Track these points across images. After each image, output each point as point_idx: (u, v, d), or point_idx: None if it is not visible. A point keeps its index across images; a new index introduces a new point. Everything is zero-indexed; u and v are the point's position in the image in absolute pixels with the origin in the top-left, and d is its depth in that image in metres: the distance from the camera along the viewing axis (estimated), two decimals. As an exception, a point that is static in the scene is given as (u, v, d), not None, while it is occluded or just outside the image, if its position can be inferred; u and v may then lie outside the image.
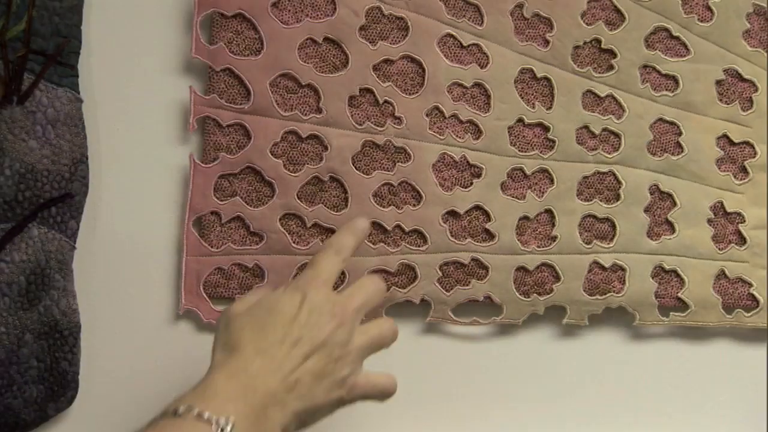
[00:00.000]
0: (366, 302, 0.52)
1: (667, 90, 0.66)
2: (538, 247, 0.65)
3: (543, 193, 0.65)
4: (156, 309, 0.62)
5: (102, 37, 0.61)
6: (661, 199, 0.66)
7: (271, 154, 0.62)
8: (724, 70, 0.66)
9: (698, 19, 0.66)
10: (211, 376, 0.48)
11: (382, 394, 0.53)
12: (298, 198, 0.62)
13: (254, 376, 0.47)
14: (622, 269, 0.65)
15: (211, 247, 0.62)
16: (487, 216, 0.64)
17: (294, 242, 0.62)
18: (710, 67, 0.66)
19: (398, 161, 0.63)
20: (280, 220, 0.62)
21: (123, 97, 0.61)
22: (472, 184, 0.64)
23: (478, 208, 0.64)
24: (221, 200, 0.61)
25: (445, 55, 0.64)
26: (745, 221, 0.67)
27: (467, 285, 0.64)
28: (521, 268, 0.65)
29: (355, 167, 0.63)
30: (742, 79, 0.66)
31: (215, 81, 0.61)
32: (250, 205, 0.62)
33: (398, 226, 0.63)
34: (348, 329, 0.50)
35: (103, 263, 0.61)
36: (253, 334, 0.49)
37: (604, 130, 0.66)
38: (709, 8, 0.66)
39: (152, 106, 0.61)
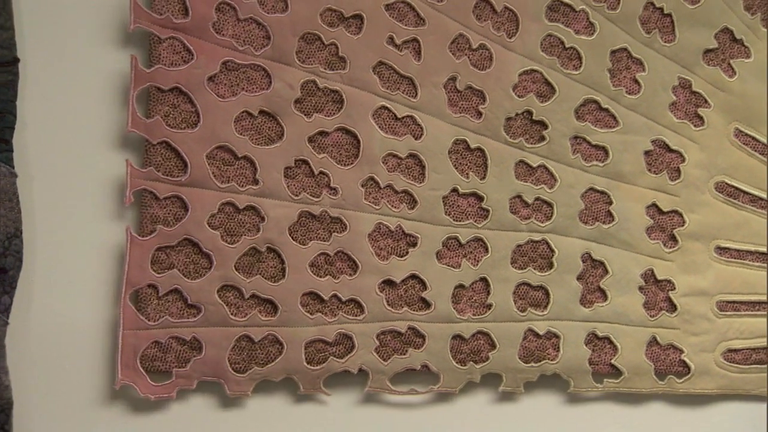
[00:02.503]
0: None
1: (597, 160, 0.72)
2: (474, 315, 0.70)
3: (478, 261, 0.71)
4: (91, 386, 0.66)
5: (37, 111, 0.65)
6: (594, 266, 0.72)
7: (209, 226, 0.67)
8: (652, 141, 0.73)
9: (626, 92, 0.73)
10: None
11: None
12: (236, 269, 0.67)
13: None
14: (557, 336, 0.71)
15: (148, 320, 0.66)
16: (423, 285, 0.70)
17: (232, 314, 0.67)
18: (639, 138, 0.73)
19: (334, 231, 0.69)
20: (218, 291, 0.66)
21: (59, 172, 0.65)
22: (407, 253, 0.69)
23: (414, 277, 0.70)
24: (158, 273, 0.66)
25: (379, 127, 0.69)
26: (675, 288, 0.73)
27: (404, 354, 0.69)
28: (457, 337, 0.70)
29: (292, 237, 0.68)
30: (670, 150, 0.73)
31: (152, 154, 0.66)
32: (188, 278, 0.66)
33: (335, 296, 0.68)
34: None
35: (37, 339, 0.65)
36: None
37: (537, 199, 0.72)
38: (636, 81, 0.73)
39: (88, 180, 0.65)
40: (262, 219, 0.66)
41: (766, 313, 0.73)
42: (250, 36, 0.66)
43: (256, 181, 0.66)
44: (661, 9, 0.71)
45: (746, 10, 0.72)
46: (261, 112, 0.67)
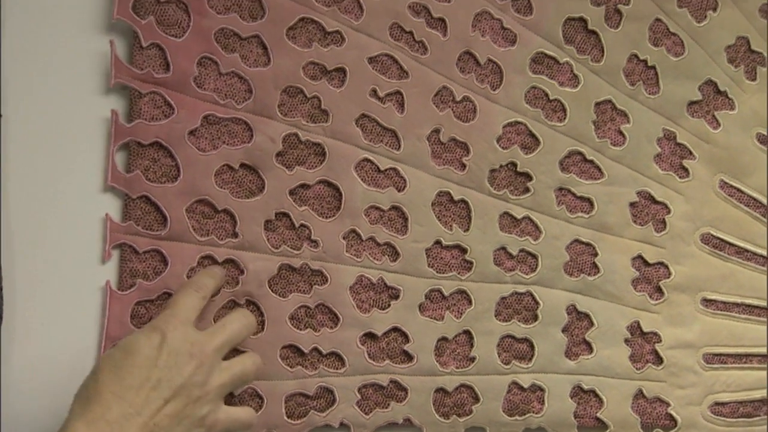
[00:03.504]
0: (228, 340, 0.59)
1: (582, 212, 0.74)
2: (457, 368, 0.71)
3: (461, 313, 0.72)
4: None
5: (17, 165, 0.66)
6: (579, 319, 0.73)
7: (188, 279, 0.68)
8: (637, 193, 0.74)
9: (611, 143, 0.74)
10: (70, 425, 0.52)
11: (243, 426, 0.59)
12: (215, 322, 0.68)
13: (113, 423, 0.52)
14: (541, 389, 0.72)
15: (125, 375, 0.67)
16: (406, 337, 0.71)
17: (209, 368, 0.68)
18: (624, 190, 0.74)
19: (315, 284, 0.70)
20: (196, 345, 0.68)
21: (39, 222, 0.67)
22: (389, 305, 0.71)
23: (396, 329, 0.71)
24: (138, 327, 0.67)
25: (362, 179, 0.71)
26: (661, 341, 0.74)
27: (386, 407, 0.70)
28: (440, 390, 0.71)
29: (272, 290, 0.69)
30: (655, 201, 0.74)
31: (132, 208, 0.68)
32: (166, 332, 0.68)
33: (315, 349, 0.70)
34: (206, 369, 0.56)
35: (16, 393, 0.66)
36: (111, 378, 0.53)
37: (521, 251, 0.73)
38: (621, 133, 0.74)
39: (68, 235, 0.67)
40: (242, 272, 0.68)
41: (753, 365, 0.73)
42: (232, 90, 0.68)
43: (236, 234, 0.68)
44: (645, 61, 0.72)
45: (730, 62, 0.73)
46: (242, 165, 0.68)
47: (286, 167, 0.69)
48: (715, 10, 0.74)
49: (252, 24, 0.68)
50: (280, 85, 0.68)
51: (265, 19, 0.68)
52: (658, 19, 0.73)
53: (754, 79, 0.74)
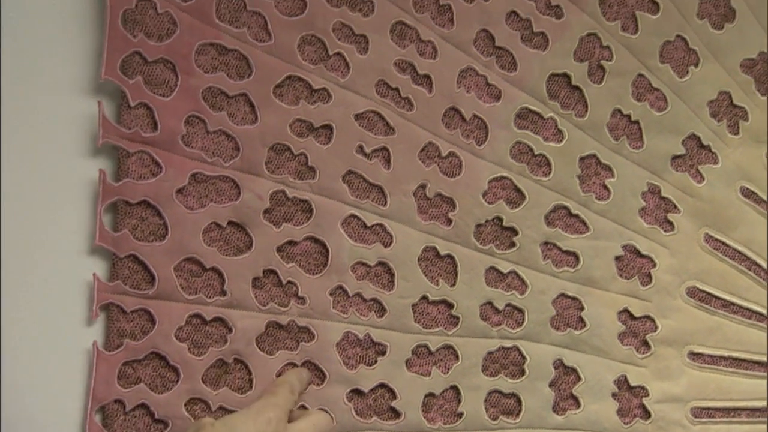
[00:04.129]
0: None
1: (568, 266, 0.75)
2: (445, 424, 0.72)
3: (448, 369, 0.73)
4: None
5: (6, 231, 0.68)
6: (566, 373, 0.74)
7: (176, 338, 0.69)
8: (622, 247, 0.76)
9: (596, 198, 0.75)
10: None
11: None
12: (203, 382, 0.69)
13: None
14: (529, 445, 0.73)
15: (114, 436, 0.68)
16: (393, 394, 0.72)
17: (198, 427, 0.69)
18: (609, 244, 0.75)
19: (302, 340, 0.71)
20: (185, 405, 0.68)
21: (26, 281, 0.68)
22: (376, 361, 0.72)
23: (383, 386, 0.72)
24: (125, 388, 0.68)
25: (348, 235, 0.72)
26: (648, 395, 0.75)
27: (374, 464, 0.71)
28: (428, 446, 0.72)
29: (259, 348, 0.70)
30: (641, 255, 0.76)
31: (119, 267, 0.68)
32: (155, 392, 0.68)
33: (302, 406, 0.70)
34: None
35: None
36: None
37: (508, 305, 0.74)
38: (605, 187, 0.76)
39: (55, 295, 0.68)
40: (230, 330, 0.68)
41: (741, 419, 0.74)
42: (220, 148, 0.69)
43: (224, 293, 0.68)
44: (628, 116, 0.74)
45: (712, 117, 0.75)
46: (230, 223, 0.69)
47: (274, 224, 0.70)
48: (696, 65, 0.75)
49: (239, 82, 0.69)
50: (267, 143, 0.69)
51: (252, 78, 0.70)
52: (640, 75, 0.74)
53: (736, 134, 0.75)
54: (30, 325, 0.66)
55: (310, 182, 0.70)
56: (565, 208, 0.73)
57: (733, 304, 0.75)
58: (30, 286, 0.67)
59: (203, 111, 0.69)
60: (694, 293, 0.74)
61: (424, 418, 0.71)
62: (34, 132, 0.68)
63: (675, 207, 0.74)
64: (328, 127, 0.71)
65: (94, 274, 0.67)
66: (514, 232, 0.73)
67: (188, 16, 0.69)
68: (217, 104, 0.69)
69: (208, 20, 0.69)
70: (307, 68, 0.70)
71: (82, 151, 0.68)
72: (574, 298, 0.73)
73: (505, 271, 0.72)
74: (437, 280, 0.72)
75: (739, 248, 0.75)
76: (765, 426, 0.75)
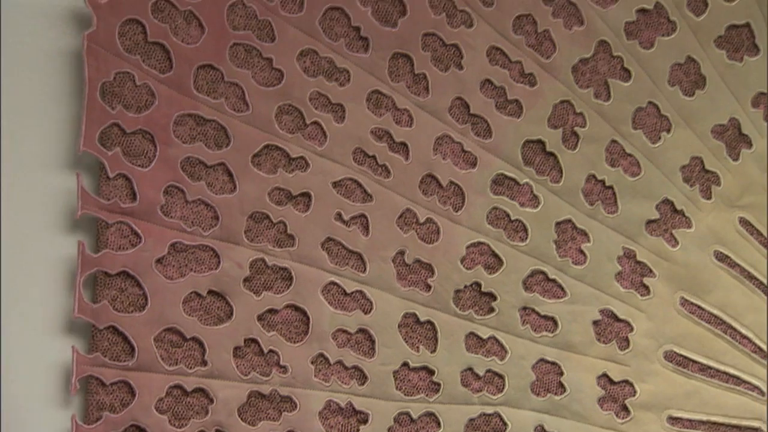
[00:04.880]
0: None
1: (546, 331, 0.76)
2: (427, 492, 0.72)
3: (430, 436, 0.73)
4: None
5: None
6: (547, 438, 0.75)
7: (156, 410, 0.69)
8: (600, 311, 0.77)
9: (572, 262, 0.77)
10: None
11: None
12: (183, 454, 0.69)
13: None
14: None
15: None
16: (375, 462, 0.72)
17: (178, 500, 0.68)
18: (587, 308, 0.77)
19: (284, 410, 0.71)
20: (164, 478, 0.68)
21: (5, 358, 0.67)
22: (358, 430, 0.72)
23: (365, 454, 0.72)
24: (104, 461, 0.67)
25: (329, 303, 0.73)
26: (629, 459, 0.75)
27: None
28: None
29: (241, 418, 0.70)
30: (618, 320, 0.77)
31: (98, 339, 0.68)
32: (134, 465, 0.68)
33: (285, 477, 0.70)
34: None
35: None
36: None
37: (488, 371, 0.75)
38: (582, 252, 0.77)
39: (34, 368, 0.68)
40: (211, 401, 0.68)
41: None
42: (199, 217, 0.69)
43: (204, 362, 0.69)
44: (602, 181, 0.75)
45: (685, 181, 0.77)
46: (210, 292, 0.70)
47: (254, 293, 0.70)
48: (668, 131, 0.77)
49: (217, 152, 0.70)
50: (246, 211, 0.70)
51: (230, 147, 0.71)
52: (614, 141, 0.76)
53: (709, 198, 0.77)
54: (9, 402, 0.66)
55: (289, 250, 0.71)
56: (543, 272, 0.74)
57: (710, 367, 0.76)
58: (9, 361, 0.66)
59: (182, 181, 0.69)
60: (671, 357, 0.75)
61: (407, 486, 0.71)
62: (11, 209, 0.68)
63: (650, 271, 0.76)
64: (306, 195, 0.72)
65: (72, 347, 0.67)
66: (493, 297, 0.74)
67: (166, 87, 0.70)
68: (196, 174, 0.70)
69: (186, 91, 0.70)
70: (284, 137, 0.72)
71: (60, 225, 0.69)
72: (553, 363, 0.74)
73: (485, 337, 0.73)
74: (418, 347, 0.72)
75: (715, 312, 0.76)
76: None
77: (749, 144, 0.78)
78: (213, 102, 0.70)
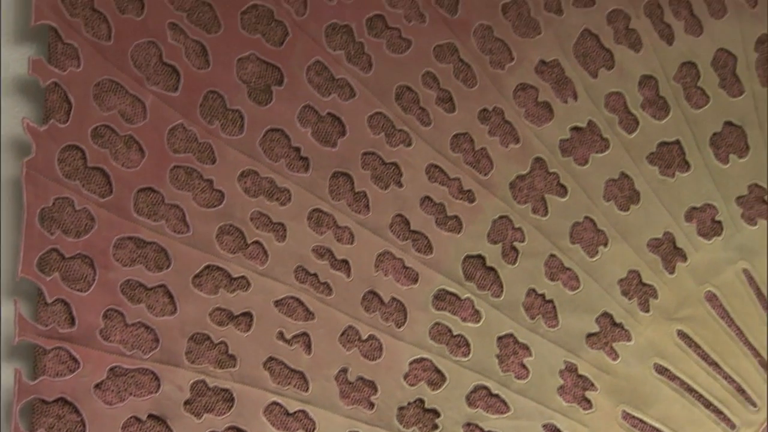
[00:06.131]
0: None
1: (490, 449, 0.76)
2: None
3: None
4: None
5: None
6: None
7: None
8: (543, 426, 0.77)
9: (515, 377, 0.77)
10: None
11: None
12: None
13: None
14: None
15: None
16: None
17: None
18: (530, 423, 0.76)
19: None
20: None
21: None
22: None
23: None
24: None
25: (271, 423, 0.72)
26: None
27: None
28: None
29: None
30: (561, 434, 0.77)
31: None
32: None
33: None
34: None
35: None
36: None
37: (433, 489, 0.74)
38: (524, 366, 0.77)
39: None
40: None
41: None
42: (139, 340, 0.69)
43: (143, 489, 0.68)
44: (543, 295, 0.76)
45: (623, 295, 0.78)
46: (150, 416, 0.69)
47: (195, 415, 0.70)
48: (606, 245, 0.79)
49: (158, 274, 0.70)
50: (186, 333, 0.70)
51: (170, 269, 0.71)
52: (552, 255, 0.77)
53: (647, 311, 0.78)
54: None
55: (231, 371, 0.71)
56: (486, 388, 0.75)
57: (654, 479, 0.76)
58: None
59: (121, 304, 0.69)
60: (615, 470, 0.75)
61: None
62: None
63: (592, 385, 0.76)
64: (248, 315, 0.72)
65: (8, 473, 0.66)
66: (437, 413, 0.74)
67: (106, 211, 0.70)
68: (136, 297, 0.70)
69: (126, 215, 0.70)
70: (225, 257, 0.72)
71: (-4, 354, 0.68)
72: (498, 480, 0.74)
73: (428, 454, 0.73)
74: (361, 467, 0.72)
75: (656, 425, 0.77)
76: None
77: (684, 257, 0.79)
78: (153, 224, 0.70)
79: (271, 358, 0.71)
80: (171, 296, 0.70)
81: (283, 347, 0.72)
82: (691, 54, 0.81)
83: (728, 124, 0.81)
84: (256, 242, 0.73)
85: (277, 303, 0.72)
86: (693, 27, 0.81)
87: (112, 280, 0.69)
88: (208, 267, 0.72)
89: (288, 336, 0.72)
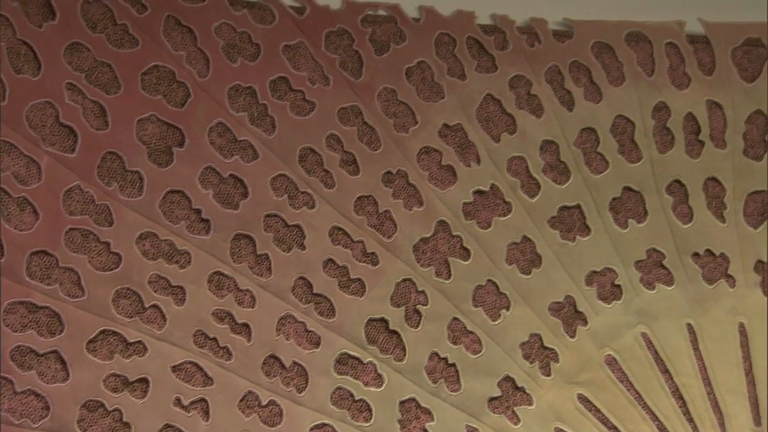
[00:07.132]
0: None
1: None
2: None
3: None
4: None
5: None
6: None
7: None
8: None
9: (417, 442, 0.76)
10: None
11: None
12: None
13: None
14: None
15: None
16: None
17: None
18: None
19: None
20: None
21: None
22: None
23: None
24: None
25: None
26: None
27: None
28: None
29: None
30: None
31: None
32: None
33: None
34: None
35: None
36: None
37: None
38: (426, 431, 0.77)
39: None
40: None
41: None
42: (28, 408, 0.67)
43: None
44: (445, 359, 0.76)
45: (525, 358, 0.78)
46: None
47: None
48: (508, 308, 0.79)
49: (50, 339, 0.68)
50: (79, 400, 0.68)
51: (63, 334, 0.69)
52: (455, 318, 0.77)
53: (548, 375, 0.78)
54: None
55: (125, 439, 0.69)
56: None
57: None
58: None
59: (11, 371, 0.67)
60: None
61: None
62: None
63: (494, 450, 0.76)
64: (144, 381, 0.70)
65: None
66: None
67: (-3, 275, 0.68)
68: (26, 363, 0.68)
69: (17, 279, 0.68)
70: (122, 321, 0.70)
71: None
72: None
73: None
74: None
75: (557, 490, 0.77)
76: None
77: (584, 321, 0.79)
78: (46, 288, 0.68)
79: (167, 425, 0.70)
80: (63, 362, 0.69)
81: (180, 414, 0.70)
82: (591, 120, 0.82)
83: (627, 189, 0.82)
84: (154, 306, 0.71)
85: (175, 368, 0.71)
86: (593, 94, 0.82)
87: (2, 348, 0.67)
88: (103, 332, 0.70)
89: (185, 402, 0.70)
